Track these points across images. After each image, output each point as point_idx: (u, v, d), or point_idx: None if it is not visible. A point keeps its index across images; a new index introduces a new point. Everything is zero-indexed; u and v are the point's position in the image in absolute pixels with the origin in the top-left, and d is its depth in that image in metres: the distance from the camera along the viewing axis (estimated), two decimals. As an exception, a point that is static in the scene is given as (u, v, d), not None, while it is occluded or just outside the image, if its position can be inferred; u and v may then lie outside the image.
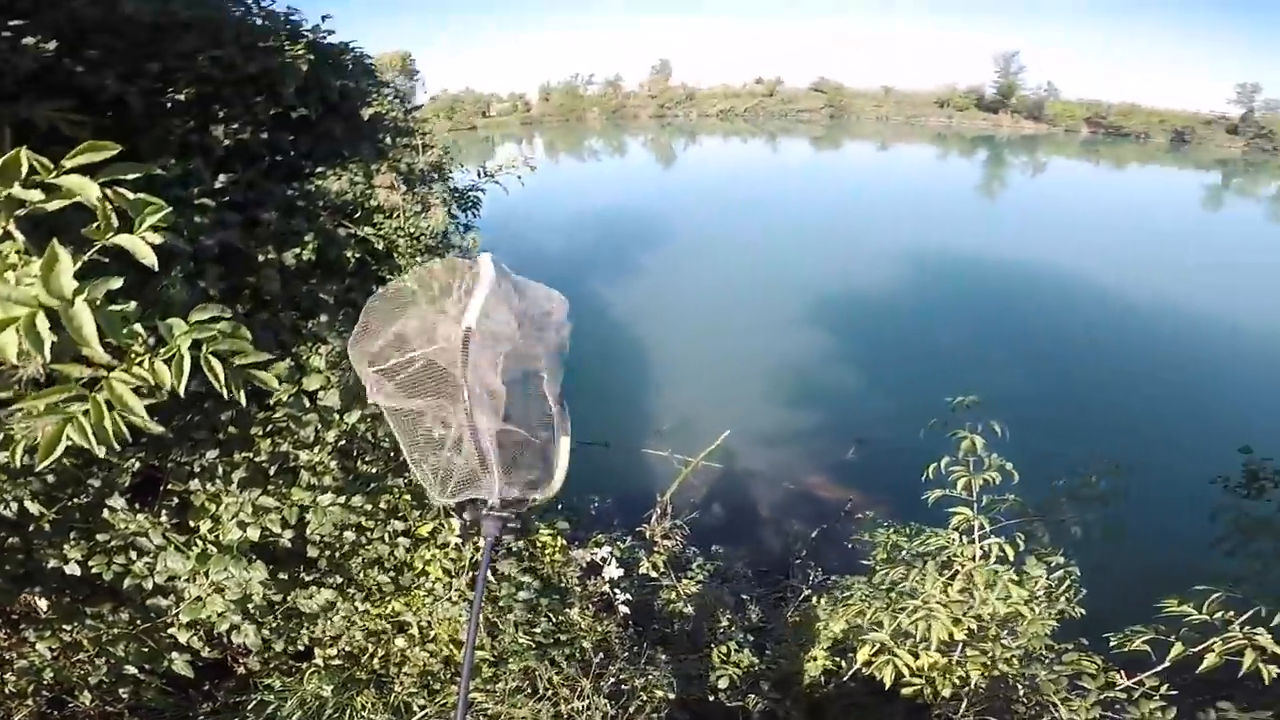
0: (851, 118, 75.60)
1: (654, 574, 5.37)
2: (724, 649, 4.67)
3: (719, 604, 5.46)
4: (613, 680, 3.60)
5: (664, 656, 4.36)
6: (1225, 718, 2.62)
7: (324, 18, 3.89)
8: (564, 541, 4.17)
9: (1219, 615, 2.74)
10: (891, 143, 62.39)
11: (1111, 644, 3.06)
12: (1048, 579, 3.51)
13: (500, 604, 3.53)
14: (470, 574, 3.38)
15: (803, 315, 15.84)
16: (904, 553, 3.76)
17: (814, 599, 4.75)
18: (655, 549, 5.70)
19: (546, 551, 3.99)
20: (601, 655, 3.69)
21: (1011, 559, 3.38)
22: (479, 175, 5.36)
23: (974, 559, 3.40)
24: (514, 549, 3.77)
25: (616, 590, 4.73)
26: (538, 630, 3.61)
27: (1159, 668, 2.93)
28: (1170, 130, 70.76)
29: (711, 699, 4.15)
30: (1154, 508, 4.78)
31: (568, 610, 3.92)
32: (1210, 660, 2.63)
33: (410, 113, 4.17)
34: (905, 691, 3.44)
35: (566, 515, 5.61)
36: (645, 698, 3.64)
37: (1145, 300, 17.53)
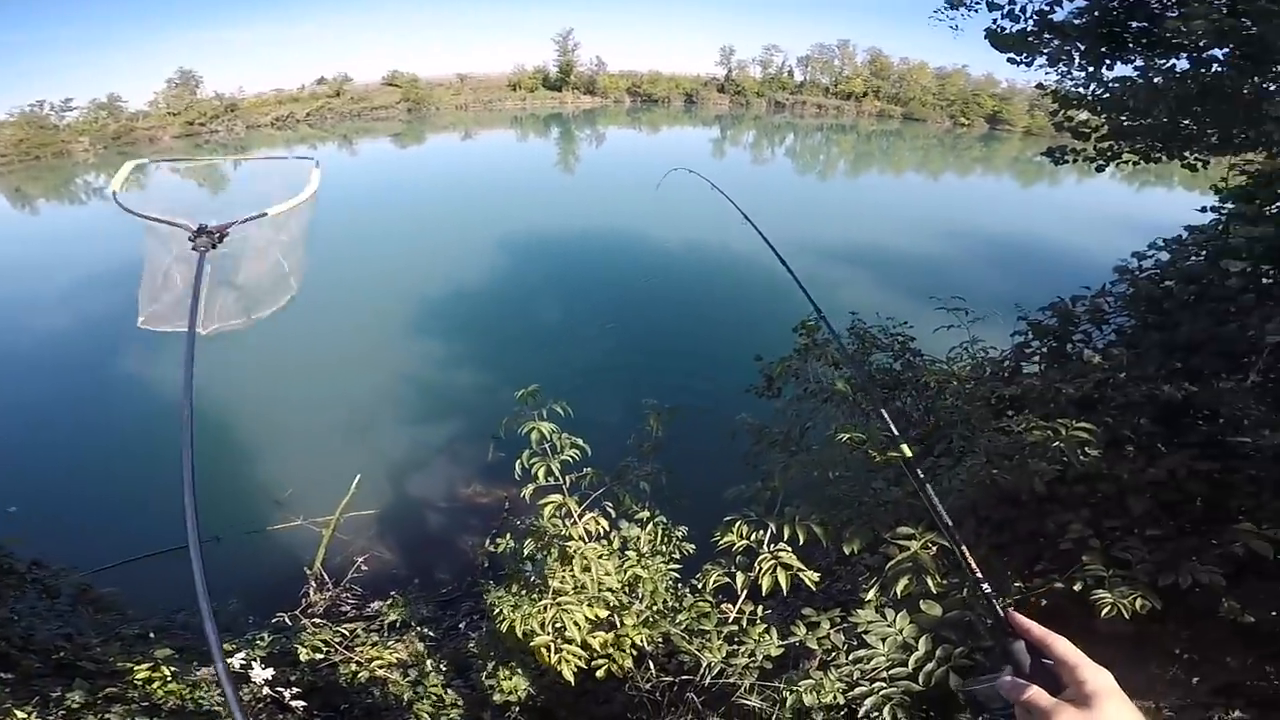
0: (431, 109, 73.94)
1: (318, 654, 4.74)
2: (433, 696, 4.36)
3: (414, 652, 5.03)
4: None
5: None
6: (808, 621, 3.03)
7: None
8: (173, 669, 3.77)
9: (754, 538, 3.08)
10: (474, 131, 63.34)
11: (696, 582, 3.36)
12: (648, 535, 3.79)
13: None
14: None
15: (413, 325, 15.12)
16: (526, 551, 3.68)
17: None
18: (310, 628, 5.04)
19: (155, 685, 3.50)
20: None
21: (608, 528, 3.56)
22: None
23: (582, 539, 3.49)
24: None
25: (282, 690, 4.13)
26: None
27: (743, 595, 3.22)
28: (683, 93, 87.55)
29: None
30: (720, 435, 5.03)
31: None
32: (766, 582, 2.93)
33: None
34: (599, 674, 3.47)
35: (175, 641, 4.47)
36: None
37: (698, 249, 20.92)
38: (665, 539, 3.84)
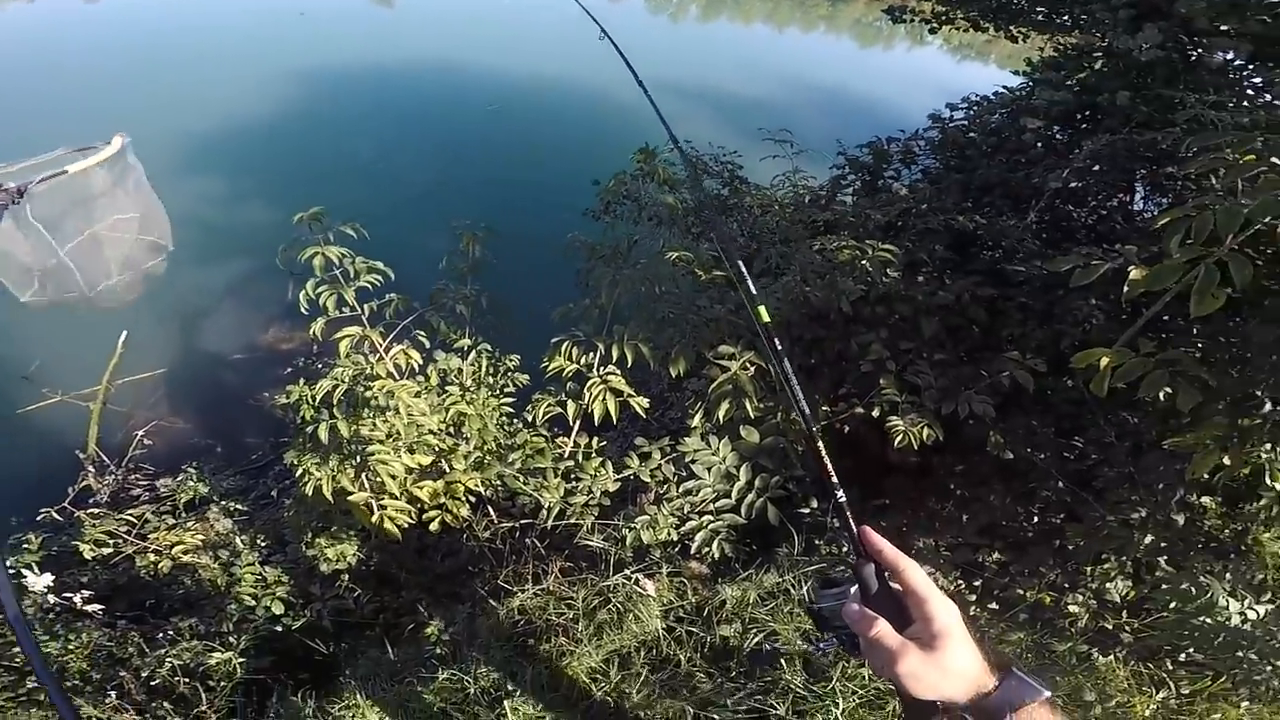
0: None
1: (105, 549, 4.18)
2: (252, 576, 3.89)
3: (221, 530, 4.49)
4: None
5: (187, 621, 3.64)
6: (640, 452, 2.95)
7: None
8: None
9: (584, 361, 2.93)
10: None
11: (528, 414, 3.16)
12: (471, 365, 3.48)
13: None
14: None
15: (185, 162, 12.24)
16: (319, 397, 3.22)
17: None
18: (88, 521, 4.34)
19: None
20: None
21: (421, 362, 3.23)
22: None
23: (391, 376, 3.10)
24: None
25: (70, 595, 3.69)
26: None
27: (576, 426, 3.11)
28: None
29: (279, 629, 3.59)
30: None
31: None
32: (598, 409, 2.80)
33: None
34: (433, 527, 3.27)
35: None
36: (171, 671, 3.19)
37: (546, 80, 18.93)
38: (492, 369, 3.57)
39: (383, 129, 15.01)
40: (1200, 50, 3.78)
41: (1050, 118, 4.61)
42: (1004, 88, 5.51)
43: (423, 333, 3.26)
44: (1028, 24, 5.72)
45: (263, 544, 4.36)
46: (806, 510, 3.06)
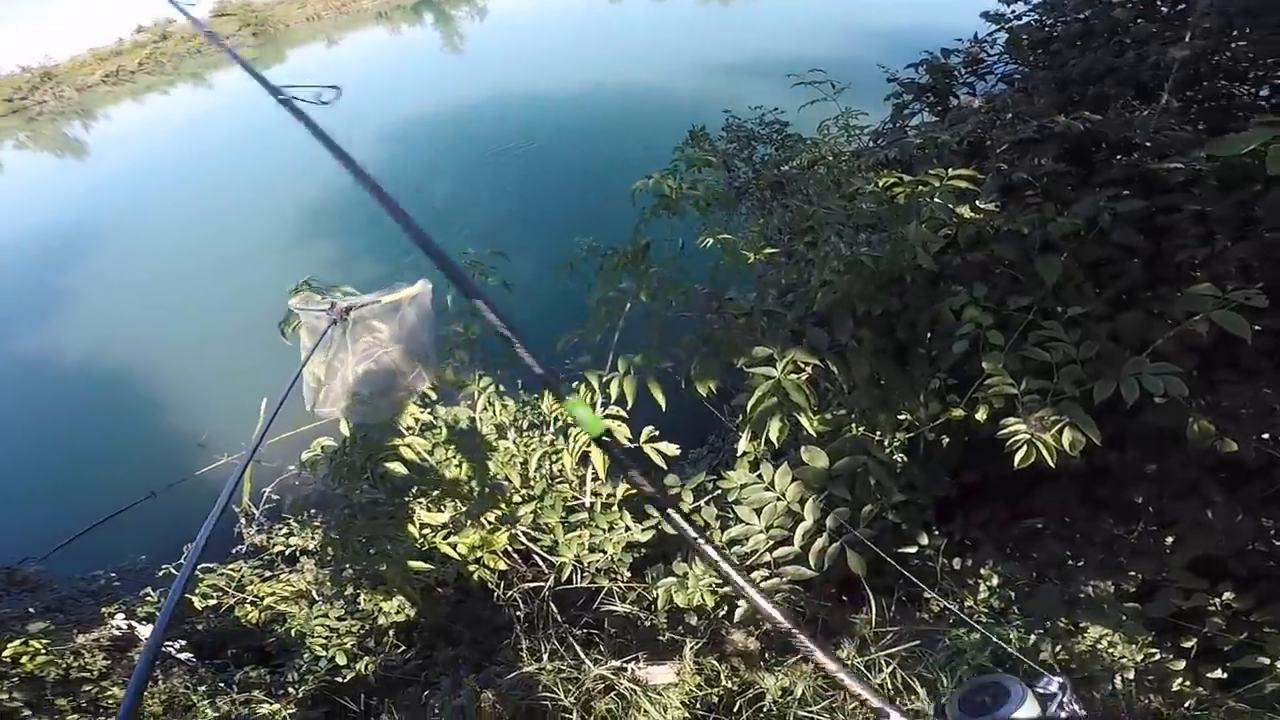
0: (278, 28, 61.43)
1: (210, 601, 4.12)
2: (322, 631, 3.73)
3: (316, 579, 4.25)
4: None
5: (257, 671, 3.58)
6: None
7: None
8: (45, 643, 3.38)
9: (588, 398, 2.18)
10: (338, 36, 53.54)
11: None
12: (483, 409, 2.81)
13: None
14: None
15: (301, 233, 12.91)
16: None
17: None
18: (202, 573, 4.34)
19: (24, 660, 3.23)
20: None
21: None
22: None
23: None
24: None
25: (170, 645, 3.78)
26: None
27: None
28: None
29: (338, 680, 3.37)
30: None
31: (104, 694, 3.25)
32: (595, 459, 2.04)
33: None
34: (474, 579, 2.89)
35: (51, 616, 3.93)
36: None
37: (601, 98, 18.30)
38: (521, 413, 2.91)
39: (459, 172, 15.02)
40: None
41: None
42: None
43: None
44: None
45: (348, 594, 4.01)
46: (914, 549, 2.02)
